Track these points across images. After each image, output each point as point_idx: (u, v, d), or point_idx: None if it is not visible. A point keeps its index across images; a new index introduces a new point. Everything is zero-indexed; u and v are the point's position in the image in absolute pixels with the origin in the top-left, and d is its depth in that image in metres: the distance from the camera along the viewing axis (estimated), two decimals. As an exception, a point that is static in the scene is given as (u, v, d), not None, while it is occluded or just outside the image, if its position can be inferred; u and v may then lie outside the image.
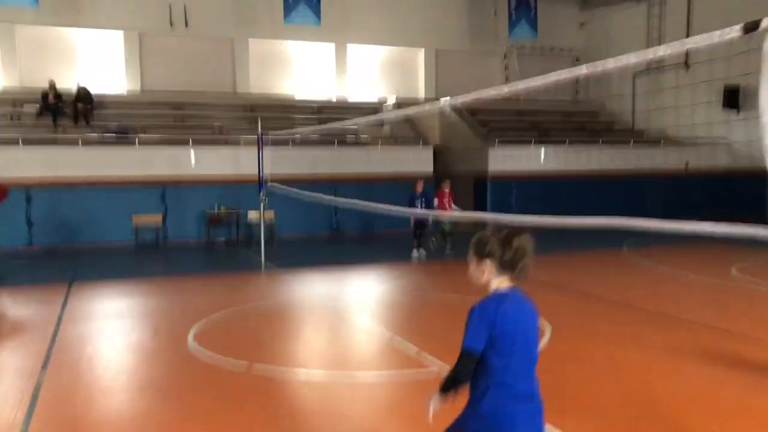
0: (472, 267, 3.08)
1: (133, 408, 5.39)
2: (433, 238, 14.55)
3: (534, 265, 3.05)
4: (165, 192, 16.95)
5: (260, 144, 13.24)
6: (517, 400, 2.94)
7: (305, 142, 18.44)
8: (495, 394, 2.93)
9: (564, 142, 20.41)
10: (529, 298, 3.12)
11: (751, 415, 5.02)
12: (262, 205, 13.07)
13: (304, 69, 23.53)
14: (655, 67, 23.08)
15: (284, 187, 12.65)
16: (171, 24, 21.66)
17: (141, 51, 21.67)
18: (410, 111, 11.71)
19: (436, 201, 14.21)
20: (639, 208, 19.54)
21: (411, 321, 8.74)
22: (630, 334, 7.50)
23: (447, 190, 14.31)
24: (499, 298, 3.03)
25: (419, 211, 13.05)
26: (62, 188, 16.09)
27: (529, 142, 20.00)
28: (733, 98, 20.10)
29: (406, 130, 20.57)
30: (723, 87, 20.37)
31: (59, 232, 16.11)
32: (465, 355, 2.96)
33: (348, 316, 8.72)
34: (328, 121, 21.51)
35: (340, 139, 19.13)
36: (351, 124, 12.37)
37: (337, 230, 18.30)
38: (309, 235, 17.71)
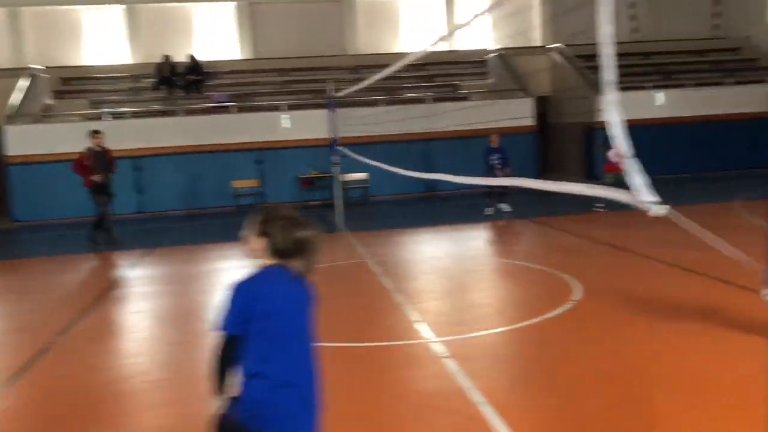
0: (249, 236, 2.77)
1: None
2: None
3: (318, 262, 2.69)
4: (263, 156, 17.42)
5: (331, 106, 13.12)
6: (277, 389, 2.64)
7: (398, 100, 18.06)
8: (254, 382, 2.67)
9: (690, 84, 18.37)
10: (303, 279, 2.74)
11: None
12: (336, 168, 12.98)
13: (413, 24, 23.01)
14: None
15: (347, 152, 12.46)
16: (278, -11, 22.03)
17: (252, 19, 22.24)
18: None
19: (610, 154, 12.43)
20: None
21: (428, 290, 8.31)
22: (668, 301, 6.57)
23: None
24: (259, 275, 2.73)
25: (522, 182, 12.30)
26: (167, 157, 17.04)
27: (648, 87, 18.20)
28: None
29: (510, 83, 19.50)
30: None
31: (167, 200, 17.15)
32: (220, 338, 2.71)
33: (384, 283, 8.41)
34: (435, 77, 21.00)
35: (436, 96, 18.55)
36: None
37: (433, 190, 17.84)
38: (404, 196, 17.46)
